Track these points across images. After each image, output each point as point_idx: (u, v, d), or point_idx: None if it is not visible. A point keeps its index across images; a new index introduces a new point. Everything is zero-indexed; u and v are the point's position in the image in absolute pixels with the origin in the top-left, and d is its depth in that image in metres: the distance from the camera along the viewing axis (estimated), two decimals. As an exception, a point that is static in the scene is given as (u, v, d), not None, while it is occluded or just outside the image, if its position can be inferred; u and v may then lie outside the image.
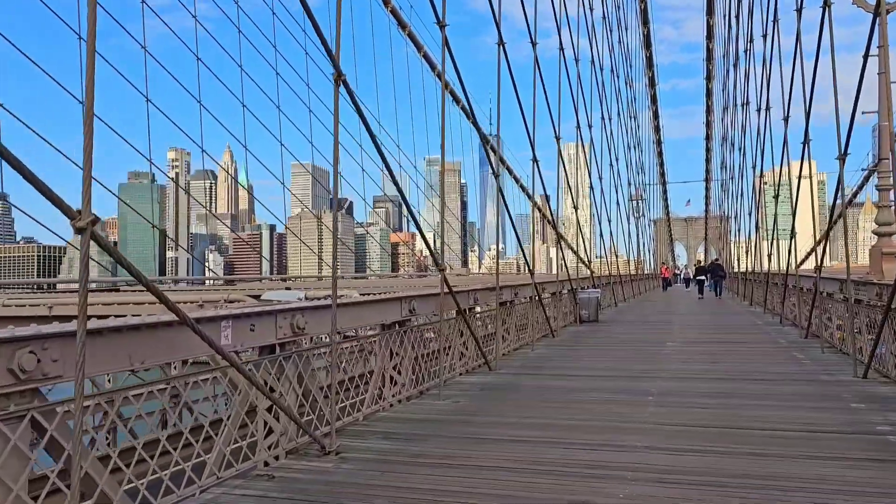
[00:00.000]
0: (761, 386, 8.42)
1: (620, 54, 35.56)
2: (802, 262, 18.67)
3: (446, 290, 8.18)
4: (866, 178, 25.92)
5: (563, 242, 37.14)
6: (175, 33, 20.17)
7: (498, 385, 8.86)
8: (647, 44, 46.90)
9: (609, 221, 30.28)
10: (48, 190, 2.86)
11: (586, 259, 25.78)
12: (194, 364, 6.84)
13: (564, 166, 17.43)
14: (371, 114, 25.86)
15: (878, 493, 4.37)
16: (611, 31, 31.11)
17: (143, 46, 19.11)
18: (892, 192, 9.52)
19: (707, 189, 74.56)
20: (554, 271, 22.57)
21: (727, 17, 35.32)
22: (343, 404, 6.56)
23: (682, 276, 56.46)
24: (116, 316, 4.36)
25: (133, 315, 4.61)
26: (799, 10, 11.97)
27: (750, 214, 28.15)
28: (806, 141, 11.80)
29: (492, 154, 10.63)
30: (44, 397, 3.66)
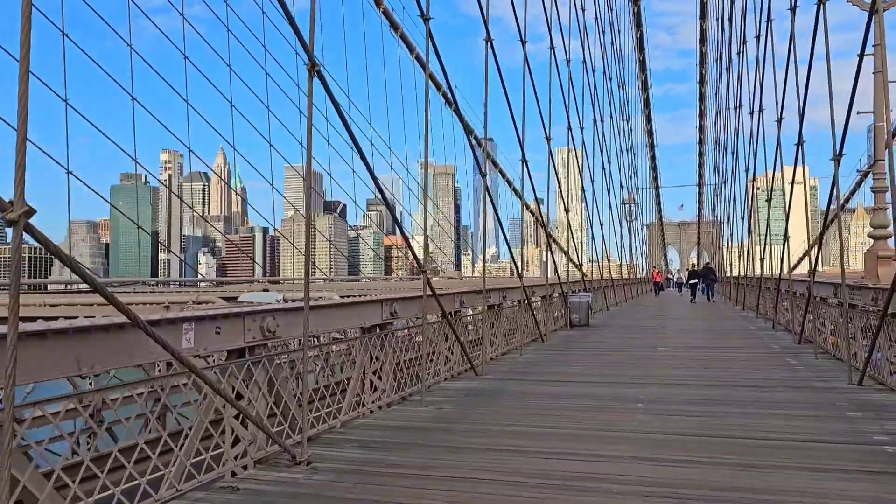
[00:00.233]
0: (754, 393, 8.17)
1: (613, 57, 35.45)
2: (795, 266, 18.51)
3: (429, 292, 7.91)
4: (861, 179, 25.83)
5: (554, 245, 36.96)
6: (163, 33, 19.93)
7: (483, 391, 8.59)
8: (641, 47, 46.82)
9: (601, 225, 30.10)
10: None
11: (578, 262, 25.56)
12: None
13: (556, 169, 17.20)
14: (363, 116, 25.62)
15: (877, 509, 4.12)
16: (603, 32, 30.96)
17: (128, 44, 18.86)
18: (887, 195, 9.30)
19: (700, 194, 74.58)
20: (548, 275, 22.33)
21: (720, 20, 35.24)
22: (318, 412, 6.28)
23: (674, 280, 56.41)
24: (67, 317, 4.08)
25: (102, 317, 4.33)
26: (793, 10, 11.79)
27: (743, 219, 28.00)
28: (800, 142, 11.60)
29: (477, 148, 10.36)
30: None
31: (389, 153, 24.24)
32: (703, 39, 48.29)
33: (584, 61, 25.18)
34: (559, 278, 17.97)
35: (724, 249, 40.49)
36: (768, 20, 16.15)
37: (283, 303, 7.80)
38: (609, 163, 32.41)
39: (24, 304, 7.26)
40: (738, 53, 24.93)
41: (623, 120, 39.57)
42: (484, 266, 11.40)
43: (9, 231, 2.95)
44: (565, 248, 28.13)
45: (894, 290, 6.81)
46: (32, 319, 4.40)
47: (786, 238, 15.66)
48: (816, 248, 12.81)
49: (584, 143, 24.92)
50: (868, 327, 9.40)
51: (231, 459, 5.13)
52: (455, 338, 9.44)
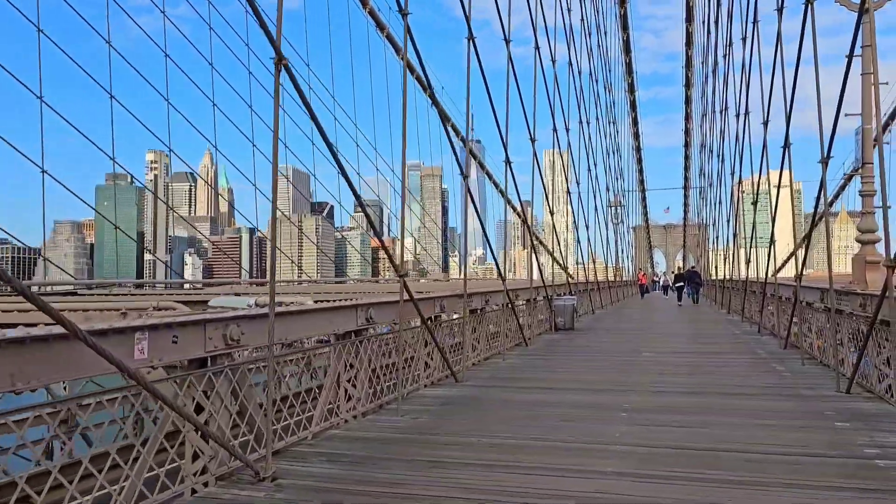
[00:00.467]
0: (740, 401, 7.96)
1: (599, 58, 35.32)
2: (780, 268, 18.37)
3: (406, 297, 7.64)
4: (845, 184, 25.85)
5: (541, 247, 36.80)
6: (145, 31, 19.56)
7: (463, 399, 8.33)
8: (627, 50, 46.80)
9: (587, 227, 29.93)
10: None
11: (564, 265, 25.36)
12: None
13: (540, 170, 16.99)
14: (349, 117, 25.33)
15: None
16: (589, 34, 30.82)
17: (107, 41, 18.48)
18: (875, 198, 9.16)
19: (686, 196, 74.78)
20: (532, 277, 22.11)
21: (706, 24, 35.23)
22: (287, 423, 6.00)
23: (660, 283, 56.45)
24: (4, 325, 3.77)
25: (43, 325, 4.03)
26: (779, 10, 11.63)
27: (728, 222, 27.93)
28: (786, 145, 11.44)
29: (459, 148, 10.10)
30: None
31: (375, 155, 23.95)
32: (689, 42, 48.37)
33: (570, 63, 25.01)
34: (543, 281, 17.74)
35: (710, 252, 40.49)
36: (754, 21, 16.04)
37: (253, 308, 7.50)
38: (595, 165, 32.29)
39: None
40: (724, 56, 24.86)
41: (609, 122, 39.48)
42: (465, 269, 11.15)
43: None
44: (552, 251, 27.94)
45: (884, 297, 6.62)
46: None
47: (772, 241, 15.52)
48: (802, 251, 12.66)
49: (569, 144, 24.74)
50: (856, 333, 9.22)
51: (190, 476, 4.84)
52: (434, 343, 9.17)
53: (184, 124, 17.99)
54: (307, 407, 6.33)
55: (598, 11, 34.27)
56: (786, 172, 12.05)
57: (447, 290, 11.69)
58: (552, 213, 18.38)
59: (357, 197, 7.35)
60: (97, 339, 3.87)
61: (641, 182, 69.40)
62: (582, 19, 28.74)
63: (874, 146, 9.15)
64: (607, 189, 38.53)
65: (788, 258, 23.91)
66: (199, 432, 4.87)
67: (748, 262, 20.72)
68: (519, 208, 24.63)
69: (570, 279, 23.03)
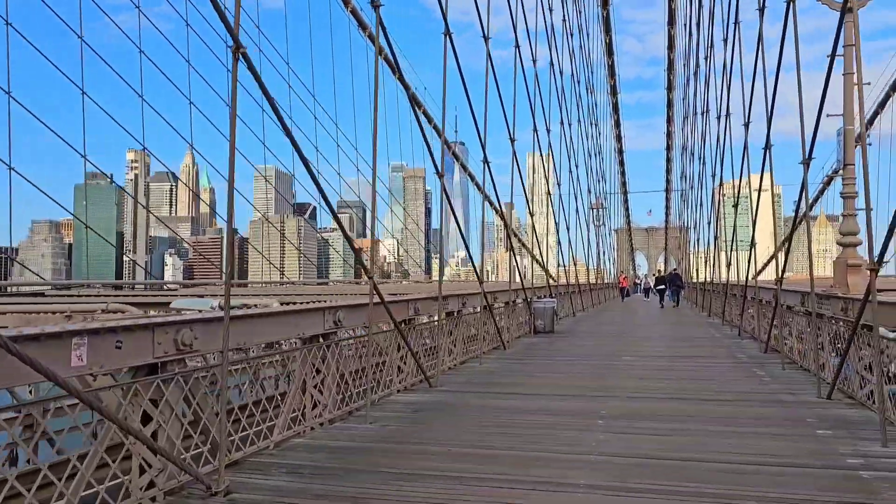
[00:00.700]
0: (720, 407, 7.76)
1: (581, 60, 35.21)
2: (760, 271, 18.32)
3: (377, 299, 7.36)
4: (824, 188, 25.92)
5: (523, 249, 36.62)
6: (120, 28, 19.15)
7: (435, 405, 8.04)
8: (610, 52, 46.80)
9: (568, 229, 29.78)
10: None
11: (544, 266, 25.18)
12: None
13: (521, 171, 16.79)
14: (330, 117, 25.00)
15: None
16: (571, 35, 30.68)
17: (79, 36, 18.04)
18: (856, 200, 9.01)
19: (667, 199, 75.03)
20: (511, 279, 21.90)
21: (688, 26, 35.27)
22: (247, 432, 5.69)
23: (641, 285, 56.53)
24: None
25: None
26: (761, 10, 11.50)
27: (709, 224, 27.90)
28: (767, 146, 11.29)
29: (437, 147, 9.83)
30: None
31: (356, 155, 23.59)
32: (671, 46, 48.48)
33: (552, 63, 24.84)
34: (522, 283, 17.51)
35: (691, 255, 40.56)
36: (736, 22, 15.93)
37: (216, 310, 7.18)
38: (577, 167, 32.15)
39: None
40: (706, 58, 24.81)
41: (591, 124, 39.41)
42: (441, 270, 10.87)
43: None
44: (534, 252, 27.75)
45: (867, 301, 6.43)
46: None
47: (752, 245, 15.41)
48: (783, 254, 12.53)
49: (550, 146, 24.56)
50: (837, 337, 9.07)
51: (137, 491, 4.52)
52: (407, 348, 8.89)
53: (165, 123, 17.62)
54: (269, 415, 6.01)
55: (579, 13, 34.18)
56: (766, 174, 11.90)
57: (423, 292, 11.42)
58: (532, 215, 18.17)
59: (323, 195, 7.06)
60: (28, 345, 3.57)
61: (624, 184, 69.59)
62: (564, 20, 28.61)
63: (856, 146, 9.00)
64: (589, 191, 38.44)
65: (769, 261, 23.91)
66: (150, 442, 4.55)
67: (729, 265, 20.66)
68: (502, 210, 24.42)
69: (550, 282, 22.85)
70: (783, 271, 11.58)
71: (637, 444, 6.04)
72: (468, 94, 11.16)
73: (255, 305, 6.56)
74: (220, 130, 20.94)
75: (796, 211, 9.85)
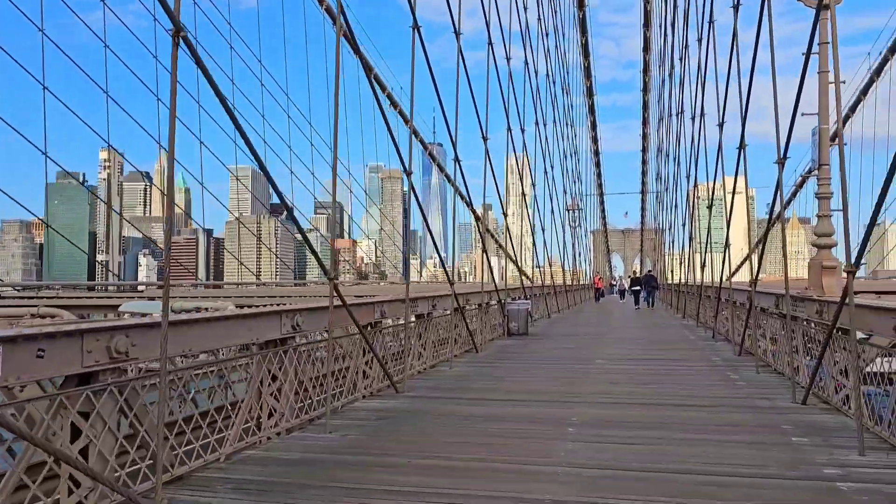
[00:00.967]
0: (693, 413, 7.52)
1: (557, 59, 35.08)
2: (734, 272, 18.24)
3: (338, 302, 7.02)
4: (797, 190, 26.00)
5: (499, 250, 36.30)
6: (83, 20, 18.59)
7: (400, 412, 7.72)
8: (586, 53, 46.79)
9: (543, 230, 29.60)
10: None
11: (520, 266, 24.96)
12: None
13: (493, 170, 16.53)
14: (304, 117, 24.59)
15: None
16: (546, 34, 30.51)
17: (40, 29, 17.47)
18: (831, 201, 8.86)
19: (643, 201, 75.43)
20: (483, 280, 21.65)
21: (663, 27, 35.32)
22: (192, 445, 5.32)
23: (617, 287, 56.65)
24: None
25: None
26: (736, 7, 11.34)
27: (684, 226, 27.89)
28: (741, 146, 11.14)
29: (416, 146, 9.50)
30: None
31: (333, 156, 23.22)
32: (646, 48, 48.64)
33: (526, 62, 24.61)
34: (496, 285, 17.24)
35: (666, 256, 40.65)
36: (710, 21, 15.81)
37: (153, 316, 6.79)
38: (552, 167, 31.99)
39: None
40: (681, 59, 24.77)
41: (567, 125, 39.30)
42: (408, 271, 10.54)
43: None
44: (509, 253, 27.53)
45: (843, 304, 6.23)
46: None
47: (727, 246, 15.30)
48: (757, 256, 12.39)
49: (525, 146, 24.34)
50: (811, 340, 8.91)
51: (65, 512, 4.15)
52: (371, 351, 8.55)
53: (140, 121, 17.14)
54: (219, 426, 5.66)
55: (555, 12, 34.04)
56: (741, 174, 11.77)
57: (391, 294, 11.09)
58: (506, 215, 17.95)
59: (279, 195, 6.70)
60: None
61: (600, 186, 69.79)
62: (539, 19, 28.42)
63: (830, 146, 8.85)
64: (565, 192, 38.33)
65: (742, 262, 23.91)
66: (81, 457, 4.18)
67: (703, 266, 20.58)
68: (479, 211, 24.17)
69: (524, 282, 22.62)
70: (758, 273, 11.44)
71: (607, 453, 5.77)
72: (437, 88, 10.89)
73: (205, 309, 6.18)
74: (190, 129, 20.48)
75: (771, 211, 9.68)
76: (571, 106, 41.92)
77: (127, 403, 4.62)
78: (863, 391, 6.37)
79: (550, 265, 31.14)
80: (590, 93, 51.41)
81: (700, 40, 17.41)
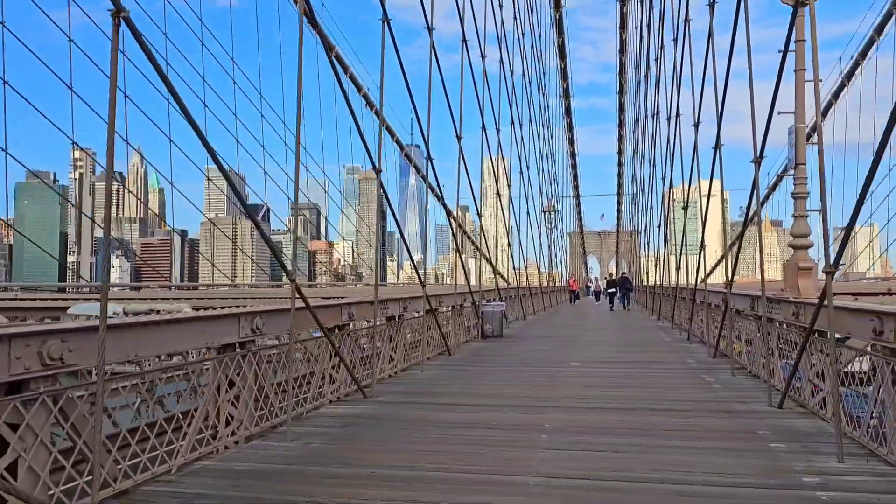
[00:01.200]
0: (668, 419, 7.31)
1: (533, 58, 34.95)
2: (709, 274, 18.16)
3: (300, 304, 6.70)
4: (769, 193, 26.10)
5: (475, 251, 36.08)
6: (46, 13, 18.03)
7: (367, 419, 7.42)
8: (563, 54, 46.80)
9: (518, 231, 29.43)
10: None
11: (494, 267, 24.75)
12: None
13: (467, 169, 16.29)
14: (278, 115, 24.24)
15: None
16: (523, 34, 30.36)
17: (1, 22, 16.90)
18: (807, 201, 8.73)
19: (619, 203, 75.72)
20: (461, 282, 21.39)
21: (639, 29, 35.37)
22: (139, 458, 4.97)
23: (592, 288, 56.74)
24: None
25: None
26: (712, 5, 11.22)
27: (659, 227, 27.88)
28: (717, 146, 11.00)
29: (374, 119, 9.20)
30: None
31: (305, 155, 22.83)
32: (622, 50, 48.76)
33: (501, 60, 24.41)
34: (469, 286, 16.99)
35: (642, 258, 40.73)
36: (686, 20, 15.72)
37: (120, 316, 6.44)
38: (528, 168, 31.82)
39: None
40: (657, 59, 24.75)
41: (543, 126, 39.21)
42: (377, 272, 10.25)
43: None
44: (485, 254, 27.31)
45: (822, 305, 6.06)
46: None
47: (702, 248, 15.21)
48: (733, 257, 12.27)
49: (500, 146, 24.13)
50: (788, 342, 8.76)
51: (-11, 533, 3.79)
52: (338, 357, 8.24)
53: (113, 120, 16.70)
54: (170, 437, 5.31)
55: (531, 11, 33.91)
56: (716, 176, 11.65)
57: (360, 295, 10.78)
58: (480, 215, 17.73)
59: (238, 194, 6.38)
60: None
61: (576, 188, 69.92)
62: (515, 18, 28.25)
63: (807, 145, 8.72)
64: (540, 193, 38.22)
65: (717, 263, 23.90)
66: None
67: (678, 268, 20.51)
68: (455, 212, 23.86)
69: (499, 283, 22.40)
70: (733, 274, 11.31)
71: (580, 462, 5.54)
72: (407, 79, 10.58)
73: (158, 312, 5.83)
74: (160, 128, 19.97)
75: (747, 210, 9.54)
76: (548, 107, 41.88)
77: (63, 413, 4.28)
78: (841, 393, 6.20)
79: (526, 267, 30.97)
80: (566, 94, 51.48)
81: (675, 40, 17.33)
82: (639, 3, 36.03)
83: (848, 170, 26.58)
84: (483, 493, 4.76)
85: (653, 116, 27.76)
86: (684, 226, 19.56)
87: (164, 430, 5.24)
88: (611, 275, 44.18)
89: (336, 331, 8.69)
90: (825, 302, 5.89)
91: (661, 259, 27.65)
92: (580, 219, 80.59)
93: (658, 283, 28.11)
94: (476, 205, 18.00)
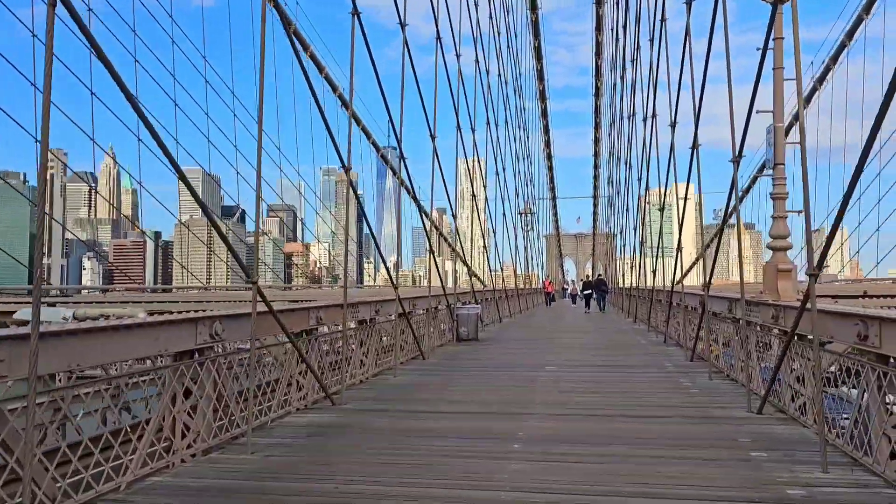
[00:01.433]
0: (646, 426, 7.08)
1: (509, 59, 34.78)
2: (685, 275, 18.07)
3: (263, 308, 6.36)
4: (743, 195, 26.13)
5: (451, 253, 35.83)
6: (9, 9, 17.43)
7: (334, 428, 7.09)
8: (539, 56, 46.74)
9: (494, 233, 29.20)
10: None
11: (470, 268, 24.49)
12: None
13: (441, 169, 15.99)
14: (252, 116, 23.79)
15: None
16: (499, 33, 30.17)
17: (-40, 15, 16.29)
18: (787, 202, 8.57)
19: (595, 206, 75.97)
20: (449, 284, 21.07)
21: (615, 30, 35.38)
22: (81, 475, 4.60)
23: (569, 291, 56.77)
24: None
25: None
26: (688, 4, 11.06)
27: (635, 229, 27.82)
28: (695, 145, 10.84)
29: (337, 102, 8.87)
30: None
31: (279, 156, 22.36)
32: (598, 52, 48.85)
33: (476, 59, 24.16)
34: (444, 288, 16.70)
35: (618, 260, 40.75)
36: (662, 20, 15.59)
37: (69, 321, 6.06)
38: (504, 169, 31.61)
39: None
40: (632, 60, 24.68)
41: (519, 127, 39.07)
42: (346, 275, 9.92)
43: None
44: (462, 256, 27.02)
45: (804, 308, 5.86)
46: None
47: (678, 250, 15.08)
48: (710, 259, 12.14)
49: (475, 145, 23.88)
50: (766, 346, 8.59)
51: None
52: (305, 363, 7.90)
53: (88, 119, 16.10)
54: (117, 451, 4.95)
55: (508, 11, 33.73)
56: (694, 174, 11.50)
57: (329, 299, 10.44)
58: (455, 217, 17.46)
59: (197, 199, 6.03)
60: None
61: (553, 191, 69.98)
62: (491, 17, 28.03)
63: (785, 145, 8.57)
64: (517, 194, 38.04)
65: (692, 265, 23.88)
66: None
67: (654, 270, 20.41)
68: (421, 206, 23.57)
69: (474, 286, 22.14)
70: (710, 276, 11.15)
71: (554, 474, 5.26)
72: (378, 74, 10.26)
73: (110, 316, 5.47)
74: (129, 126, 19.44)
75: (726, 210, 9.38)
76: (524, 109, 41.77)
77: (-8, 430, 3.91)
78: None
79: (503, 269, 30.75)
80: (542, 96, 51.45)
81: (652, 40, 17.21)
82: (615, 5, 36.06)
83: (820, 172, 26.67)
84: (452, 510, 4.47)
85: (629, 118, 27.71)
86: (661, 228, 19.47)
87: (111, 444, 4.87)
88: (587, 276, 44.19)
89: (304, 335, 8.35)
90: (808, 305, 5.70)
91: (637, 261, 27.60)
92: (556, 221, 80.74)
93: (634, 285, 28.06)
94: (451, 206, 17.72)
